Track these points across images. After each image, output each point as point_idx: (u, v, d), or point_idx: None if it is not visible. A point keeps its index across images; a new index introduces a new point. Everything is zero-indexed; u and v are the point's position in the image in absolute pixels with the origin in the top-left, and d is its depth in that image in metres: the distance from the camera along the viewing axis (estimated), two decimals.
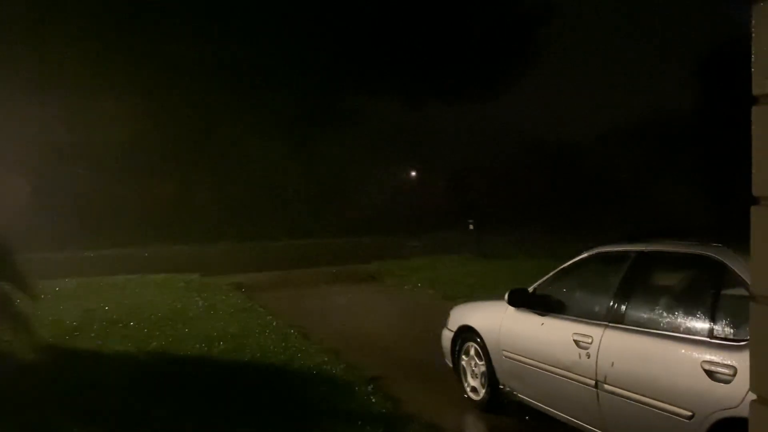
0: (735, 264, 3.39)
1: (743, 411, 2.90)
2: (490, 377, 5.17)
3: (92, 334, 7.86)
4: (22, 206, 19.31)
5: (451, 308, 6.14)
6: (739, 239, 3.09)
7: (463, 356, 5.59)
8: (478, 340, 5.31)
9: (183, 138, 21.61)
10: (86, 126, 22.31)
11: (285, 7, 18.73)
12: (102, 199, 20.23)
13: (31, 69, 18.10)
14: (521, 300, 4.87)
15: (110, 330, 8.06)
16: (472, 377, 5.46)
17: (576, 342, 4.13)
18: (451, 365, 5.80)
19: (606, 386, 3.85)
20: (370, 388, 5.74)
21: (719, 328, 3.34)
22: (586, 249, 4.71)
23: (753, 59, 1.42)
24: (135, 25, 17.82)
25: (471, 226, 15.77)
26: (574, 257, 4.77)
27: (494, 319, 5.17)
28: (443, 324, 5.98)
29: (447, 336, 5.84)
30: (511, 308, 4.95)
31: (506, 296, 4.92)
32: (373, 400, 5.44)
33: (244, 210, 21.26)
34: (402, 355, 7.05)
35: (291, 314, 9.18)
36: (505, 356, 4.95)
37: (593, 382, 3.94)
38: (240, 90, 19.82)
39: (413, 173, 27.40)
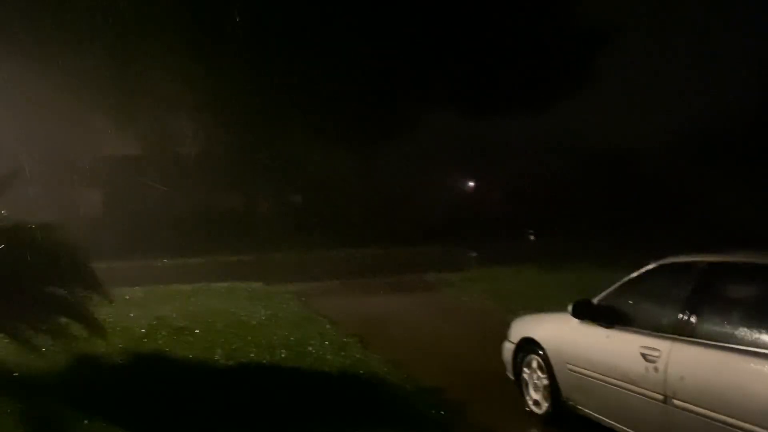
0: None
1: None
2: (553, 390, 5.08)
3: (160, 341, 8.12)
4: (96, 216, 20.20)
5: (512, 320, 6.08)
6: None
7: (525, 369, 5.51)
8: (541, 352, 5.23)
9: (246, 150, 22.15)
10: (157, 139, 23.17)
11: (343, 18, 19.00)
12: (170, 210, 20.90)
13: (105, 85, 18.94)
14: (586, 312, 4.77)
15: (177, 337, 8.30)
16: (535, 390, 5.38)
17: (643, 355, 4.02)
18: (512, 378, 5.73)
19: (675, 401, 3.72)
20: (430, 399, 5.73)
21: None
22: (653, 260, 4.59)
23: None
24: (198, 42, 18.42)
25: (532, 237, 15.48)
26: (638, 268, 4.66)
27: (557, 332, 5.08)
28: (505, 336, 5.92)
29: (508, 348, 5.77)
30: (574, 320, 4.85)
31: (570, 308, 4.83)
32: (433, 411, 5.43)
33: (304, 220, 21.56)
34: (462, 367, 6.99)
35: (350, 323, 9.23)
36: (569, 369, 4.86)
37: (662, 397, 3.82)
38: (300, 101, 20.18)
39: (471, 183, 27.20)
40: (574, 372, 4.79)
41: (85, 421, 5.28)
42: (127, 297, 11.07)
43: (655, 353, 3.92)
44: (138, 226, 18.82)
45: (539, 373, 5.29)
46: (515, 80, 21.86)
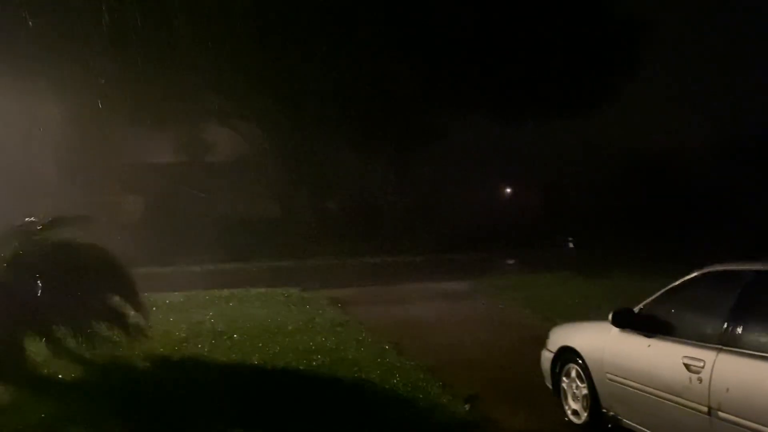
0: None
1: None
2: (593, 400, 4.98)
3: (199, 346, 8.25)
4: (135, 223, 20.65)
5: (550, 329, 6.00)
6: None
7: (564, 378, 5.42)
8: (580, 361, 5.15)
9: (283, 157, 22.41)
10: (197, 147, 23.65)
11: (379, 25, 19.09)
12: (209, 217, 21.28)
13: (146, 94, 19.39)
14: (626, 320, 4.68)
15: (216, 342, 8.42)
16: (573, 400, 5.29)
17: (686, 365, 3.92)
18: (550, 387, 5.65)
19: (720, 413, 3.62)
20: (466, 407, 5.69)
21: None
22: (696, 267, 4.48)
23: None
24: (235, 51, 18.71)
25: (570, 244, 15.26)
26: (680, 276, 4.55)
27: (597, 341, 4.99)
28: (543, 344, 5.85)
29: (547, 357, 5.70)
30: (615, 329, 4.77)
31: (610, 316, 4.75)
32: (470, 420, 5.39)
33: (340, 226, 21.69)
34: (499, 375, 6.92)
35: (386, 330, 9.23)
36: (609, 379, 4.77)
37: (706, 409, 3.72)
38: (337, 108, 20.33)
39: (508, 189, 27.01)
40: (615, 382, 4.70)
41: (125, 424, 5.40)
42: (167, 302, 11.27)
43: (699, 364, 3.82)
44: (178, 232, 19.19)
45: (578, 383, 5.20)
46: (553, 85, 21.65)
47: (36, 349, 7.00)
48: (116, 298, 7.17)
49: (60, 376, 6.75)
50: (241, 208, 22.75)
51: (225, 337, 8.70)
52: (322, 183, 23.08)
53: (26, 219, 7.24)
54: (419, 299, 12.56)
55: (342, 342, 8.32)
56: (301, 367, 7.16)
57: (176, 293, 12.29)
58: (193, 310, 10.85)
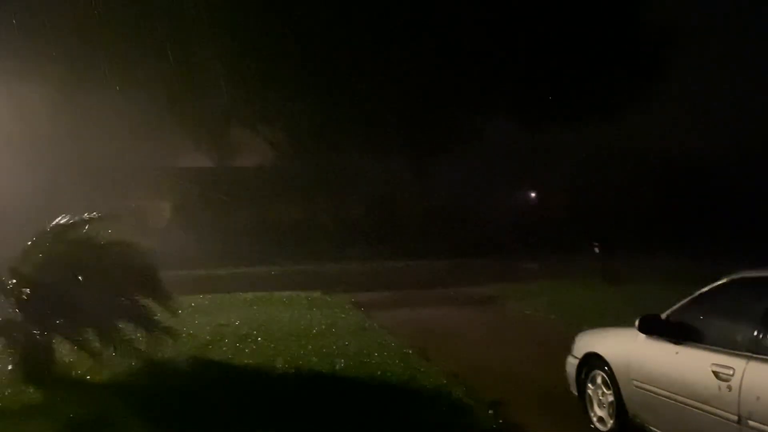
0: None
1: None
2: (619, 408, 4.92)
3: (224, 348, 8.32)
4: (162, 226, 20.92)
5: (575, 335, 5.94)
6: None
7: (590, 384, 5.37)
8: (606, 368, 5.09)
9: (308, 162, 22.55)
10: (223, 153, 23.91)
11: (402, 31, 19.13)
12: (234, 221, 21.48)
13: (175, 100, 19.67)
14: (654, 327, 4.62)
15: (240, 345, 8.48)
16: (599, 407, 5.23)
17: (715, 373, 3.85)
18: (576, 393, 5.59)
19: (751, 423, 3.55)
20: (490, 412, 5.66)
21: None
22: (724, 274, 4.40)
23: None
24: (262, 59, 18.90)
25: (596, 249, 15.06)
26: (708, 282, 4.48)
27: (623, 347, 4.94)
28: (568, 350, 5.79)
29: (572, 363, 5.64)
30: (642, 335, 4.71)
31: (637, 323, 4.69)
32: (494, 426, 5.35)
33: (364, 231, 21.73)
34: (523, 381, 6.87)
35: (409, 335, 9.22)
36: (636, 386, 4.71)
37: (735, 418, 3.65)
38: (360, 114, 20.40)
39: (532, 194, 26.82)
40: (641, 389, 4.64)
41: (153, 426, 5.47)
42: (193, 304, 11.40)
43: (728, 371, 3.76)
44: (203, 236, 19.39)
45: (604, 390, 5.15)
46: (577, 90, 21.50)
47: (65, 350, 7.13)
48: (146, 300, 7.27)
49: (88, 377, 6.86)
50: (265, 213, 22.92)
51: (249, 339, 8.76)
52: (346, 187, 23.16)
53: (58, 220, 7.37)
54: (442, 304, 12.53)
55: (365, 346, 8.32)
56: (324, 371, 7.18)
57: (201, 296, 12.43)
58: (217, 313, 10.95)
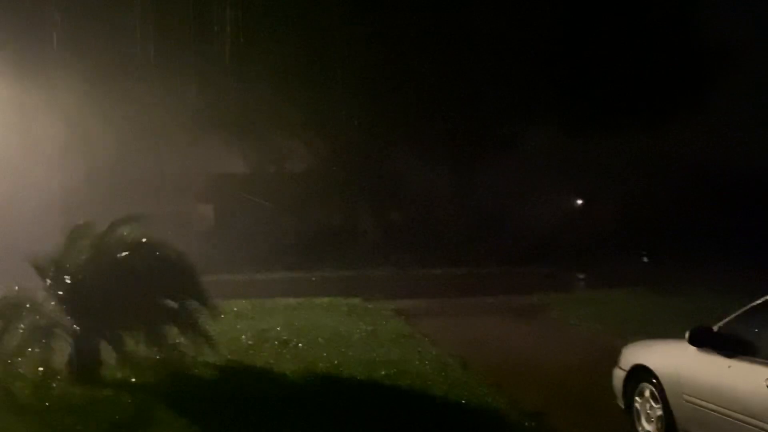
0: None
1: None
2: (668, 422, 4.76)
3: (264, 353, 8.37)
4: (207, 231, 21.27)
5: (622, 346, 5.78)
6: None
7: (637, 398, 5.20)
8: (654, 381, 4.92)
9: (348, 167, 22.64)
10: (263, 158, 24.22)
11: (445, 34, 19.08)
12: (275, 226, 21.70)
13: (216, 106, 20.03)
14: (705, 339, 4.46)
15: (281, 350, 8.53)
16: (647, 421, 5.06)
17: None
18: (623, 406, 5.43)
19: None
20: (532, 424, 5.54)
21: None
22: None
23: None
24: (303, 63, 19.09)
25: (645, 259, 14.65)
26: (761, 295, 4.31)
27: (673, 360, 4.77)
28: (614, 362, 5.63)
29: (619, 375, 5.48)
30: (692, 348, 4.54)
31: (687, 335, 4.53)
32: None
33: (404, 237, 21.67)
34: (567, 393, 6.70)
35: (450, 343, 9.10)
36: (686, 400, 4.54)
37: None
38: (402, 119, 20.41)
39: (579, 201, 26.33)
40: (692, 403, 4.47)
41: (196, 429, 5.54)
42: (235, 309, 11.50)
43: None
44: (245, 241, 19.62)
45: (652, 403, 4.98)
46: (625, 95, 21.07)
47: (110, 351, 7.27)
48: (189, 303, 7.38)
49: (133, 379, 6.98)
50: (306, 218, 23.08)
51: (290, 345, 8.80)
52: (388, 193, 23.15)
53: (100, 222, 7.54)
54: (484, 313, 12.36)
55: (406, 354, 8.26)
56: (364, 378, 7.15)
57: (243, 300, 12.53)
58: (259, 318, 11.04)
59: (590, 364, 7.53)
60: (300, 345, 8.80)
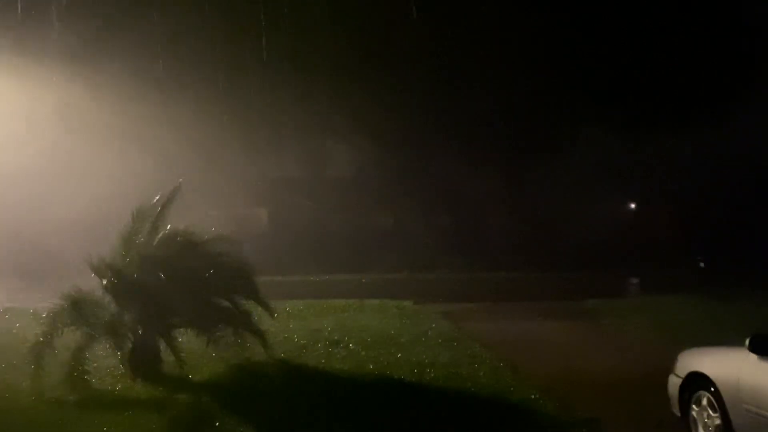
0: None
1: None
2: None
3: (316, 353, 8.52)
4: (259, 233, 21.66)
5: (677, 353, 5.65)
6: None
7: (694, 406, 5.07)
8: (712, 389, 4.79)
9: (397, 170, 22.70)
10: (315, 163, 24.54)
11: (492, 34, 18.95)
12: (326, 229, 21.94)
13: (269, 111, 20.40)
14: (767, 347, 4.32)
15: (332, 350, 8.66)
16: (704, 430, 4.93)
17: None
18: (678, 414, 5.30)
19: None
20: (584, 431, 5.47)
21: None
22: None
23: None
24: (353, 69, 19.25)
25: (701, 264, 14.20)
26: None
27: (732, 367, 4.63)
28: (670, 369, 5.51)
29: (674, 383, 5.35)
30: (753, 356, 4.41)
31: (748, 342, 4.40)
32: None
33: (453, 240, 21.59)
34: (621, 399, 6.58)
35: (501, 347, 9.05)
36: (746, 410, 4.40)
37: None
38: (451, 121, 20.35)
39: (631, 205, 25.70)
40: (753, 413, 4.34)
41: (252, 426, 5.69)
42: (287, 309, 11.72)
43: None
44: (296, 243, 19.90)
45: (710, 412, 4.85)
46: (680, 95, 20.47)
47: (167, 349, 7.52)
48: (246, 302, 7.58)
49: (191, 376, 7.21)
50: (357, 221, 23.25)
51: (341, 345, 8.93)
52: (438, 196, 23.10)
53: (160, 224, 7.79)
54: (535, 317, 12.23)
55: (455, 357, 8.26)
56: (414, 380, 7.19)
57: (295, 301, 12.75)
58: (310, 319, 11.22)
59: (644, 371, 7.36)
60: (351, 346, 8.92)
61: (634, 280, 16.97)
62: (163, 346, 7.35)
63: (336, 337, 9.40)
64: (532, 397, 6.44)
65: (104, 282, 7.15)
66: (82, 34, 17.96)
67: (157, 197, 7.75)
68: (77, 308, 6.90)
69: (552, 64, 19.31)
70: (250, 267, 7.93)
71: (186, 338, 7.71)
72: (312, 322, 10.73)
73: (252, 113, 20.44)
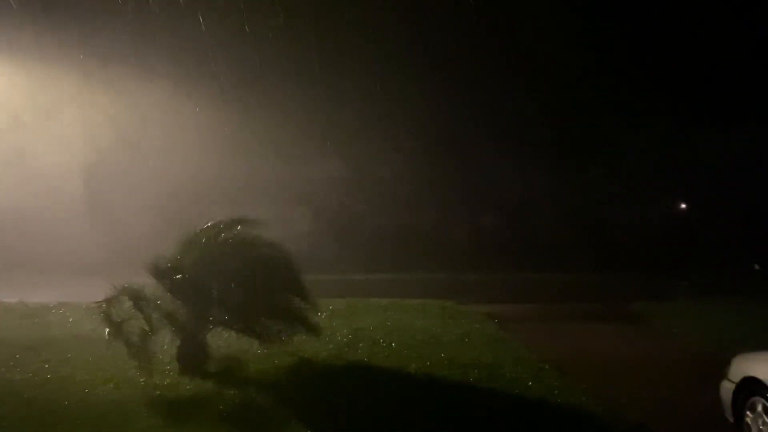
0: None
1: None
2: None
3: (360, 351, 8.56)
4: (303, 232, 21.88)
5: (730, 357, 5.48)
6: None
7: (748, 412, 4.92)
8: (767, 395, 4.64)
9: (441, 170, 22.63)
10: (359, 163, 24.68)
11: (549, 35, 18.72)
12: (369, 228, 22.04)
13: (314, 113, 20.61)
14: None
15: (375, 349, 8.68)
16: None
17: None
18: (732, 420, 5.15)
19: None
20: None
21: None
22: None
23: None
24: (401, 70, 19.28)
25: (756, 266, 13.72)
26: None
27: None
28: (722, 374, 5.35)
29: (727, 388, 5.20)
30: None
31: None
32: None
33: (497, 240, 21.41)
34: (671, 404, 6.42)
35: (546, 349, 8.92)
36: None
37: None
38: (496, 120, 20.21)
39: (682, 205, 25.04)
40: None
41: (300, 421, 5.77)
42: (331, 307, 11.78)
43: None
44: (340, 242, 20.05)
45: (765, 418, 4.69)
46: (731, 94, 19.88)
47: (217, 344, 7.67)
48: (295, 300, 7.68)
49: (237, 372, 7.34)
50: (400, 220, 23.28)
51: (384, 344, 8.94)
52: (482, 196, 22.94)
53: (211, 222, 7.95)
54: (580, 319, 12.02)
55: (499, 358, 8.18)
56: (457, 380, 7.16)
57: (338, 300, 12.80)
58: (354, 317, 11.25)
59: (694, 375, 7.20)
60: (393, 344, 8.92)
61: (685, 282, 16.53)
62: (212, 341, 7.49)
63: (379, 336, 9.42)
64: (579, 399, 6.34)
65: (161, 279, 7.33)
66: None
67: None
68: (137, 303, 7.09)
69: (602, 62, 18.99)
70: (298, 265, 8.03)
71: (234, 335, 7.84)
72: (355, 321, 10.77)
73: (298, 114, 20.69)
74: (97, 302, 7.18)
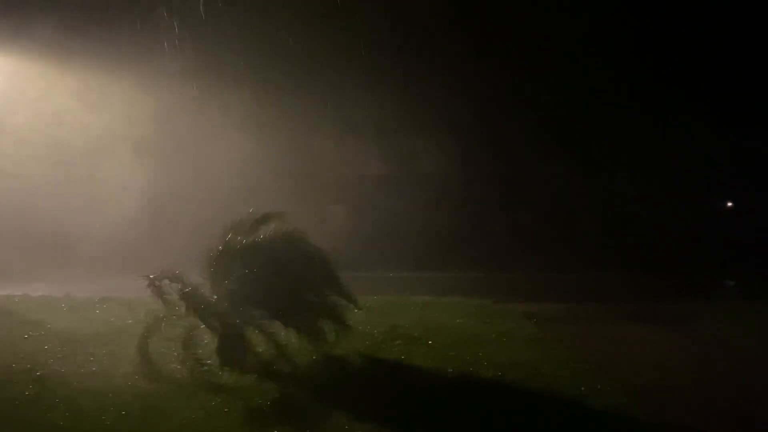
0: None
1: None
2: None
3: (396, 349, 8.52)
4: (344, 230, 21.98)
5: None
6: None
7: None
8: None
9: (478, 167, 22.46)
10: (396, 161, 24.68)
11: (583, 28, 18.43)
12: (405, 225, 21.99)
13: (352, 111, 20.67)
14: None
15: (411, 347, 8.62)
16: None
17: None
18: None
19: None
20: None
21: None
22: None
23: None
24: (437, 67, 19.20)
25: None
26: None
27: None
28: None
29: None
30: None
31: None
32: None
33: (536, 239, 21.14)
34: (720, 409, 6.20)
35: (586, 349, 8.73)
36: None
37: None
38: (534, 116, 19.96)
39: (728, 203, 24.31)
40: None
41: (340, 417, 5.78)
42: (367, 305, 11.75)
43: None
44: (375, 240, 20.06)
45: None
46: None
47: (255, 339, 7.73)
48: (334, 297, 7.70)
49: (275, 366, 7.39)
50: (435, 219, 23.18)
51: (420, 342, 8.88)
52: (519, 195, 22.70)
53: (253, 217, 8.02)
54: (623, 320, 11.71)
55: (538, 358, 8.04)
56: (496, 380, 7.08)
57: (374, 297, 12.79)
58: (390, 314, 11.21)
59: (748, 380, 6.95)
60: (430, 342, 8.86)
61: (730, 282, 16.08)
62: (252, 337, 7.57)
63: (415, 334, 9.35)
64: (621, 401, 6.20)
65: (205, 274, 7.42)
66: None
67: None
68: (184, 299, 7.21)
69: (643, 58, 18.62)
70: (336, 262, 8.05)
71: (273, 330, 7.89)
72: (391, 318, 10.72)
73: (339, 112, 20.80)
74: (144, 275, 7.33)
